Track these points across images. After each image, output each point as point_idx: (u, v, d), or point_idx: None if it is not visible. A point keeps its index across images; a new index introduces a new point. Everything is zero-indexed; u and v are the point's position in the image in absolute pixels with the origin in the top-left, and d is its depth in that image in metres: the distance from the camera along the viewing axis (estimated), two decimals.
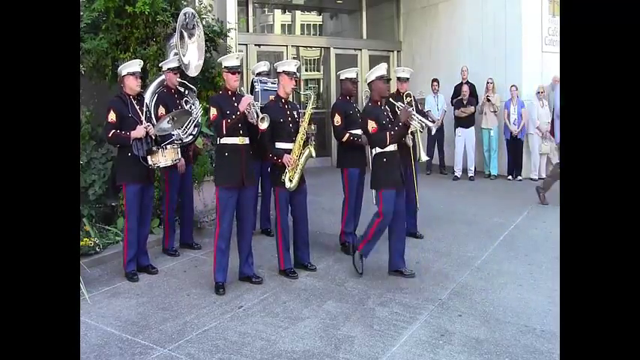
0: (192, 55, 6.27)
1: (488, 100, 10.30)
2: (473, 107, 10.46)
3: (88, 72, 6.78)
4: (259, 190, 6.31)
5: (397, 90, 6.64)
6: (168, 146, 5.41)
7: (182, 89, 6.00)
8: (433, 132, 5.80)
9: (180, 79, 5.95)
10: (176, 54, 5.99)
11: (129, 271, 5.37)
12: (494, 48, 10.89)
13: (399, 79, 6.61)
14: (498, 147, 10.56)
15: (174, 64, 5.93)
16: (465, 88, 10.54)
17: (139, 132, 5.24)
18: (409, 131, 5.49)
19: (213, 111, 4.92)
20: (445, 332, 4.15)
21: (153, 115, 5.76)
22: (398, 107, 5.42)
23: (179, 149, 5.55)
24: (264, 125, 4.90)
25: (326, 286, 5.10)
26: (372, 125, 5.17)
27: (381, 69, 5.39)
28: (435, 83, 10.95)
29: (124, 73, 5.41)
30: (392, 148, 5.25)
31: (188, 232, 6.34)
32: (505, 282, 5.17)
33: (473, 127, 10.56)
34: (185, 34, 6.13)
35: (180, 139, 5.75)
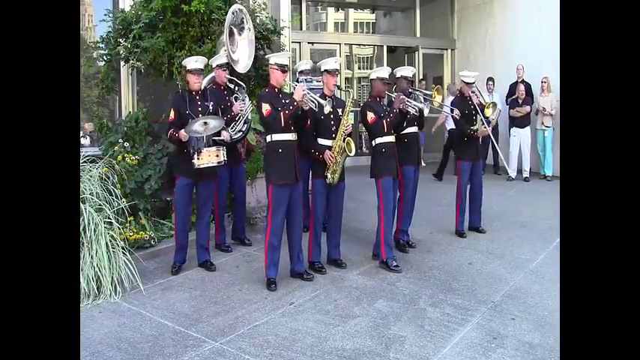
0: (242, 51, 6.33)
1: (545, 112, 10.05)
2: (529, 107, 10.22)
3: (146, 70, 6.95)
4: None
5: (461, 92, 6.67)
6: (203, 150, 5.23)
7: (232, 86, 6.06)
8: (426, 112, 5.84)
9: (229, 76, 5.99)
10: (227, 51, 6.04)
11: (174, 262, 5.48)
12: (552, 46, 10.56)
13: (467, 83, 6.61)
14: (554, 148, 10.20)
15: (223, 61, 5.99)
16: (521, 87, 10.30)
17: (182, 135, 5.18)
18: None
19: (266, 107, 4.87)
20: (498, 335, 4.08)
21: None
22: (392, 96, 5.72)
23: (223, 151, 5.37)
24: (327, 109, 5.03)
25: (377, 285, 5.08)
26: (370, 116, 5.49)
27: (384, 71, 5.75)
28: (490, 82, 10.74)
29: (188, 67, 5.37)
30: (390, 138, 5.56)
31: (240, 227, 6.41)
32: None
33: (528, 127, 10.29)
34: (235, 30, 6.19)
35: (230, 137, 5.81)
